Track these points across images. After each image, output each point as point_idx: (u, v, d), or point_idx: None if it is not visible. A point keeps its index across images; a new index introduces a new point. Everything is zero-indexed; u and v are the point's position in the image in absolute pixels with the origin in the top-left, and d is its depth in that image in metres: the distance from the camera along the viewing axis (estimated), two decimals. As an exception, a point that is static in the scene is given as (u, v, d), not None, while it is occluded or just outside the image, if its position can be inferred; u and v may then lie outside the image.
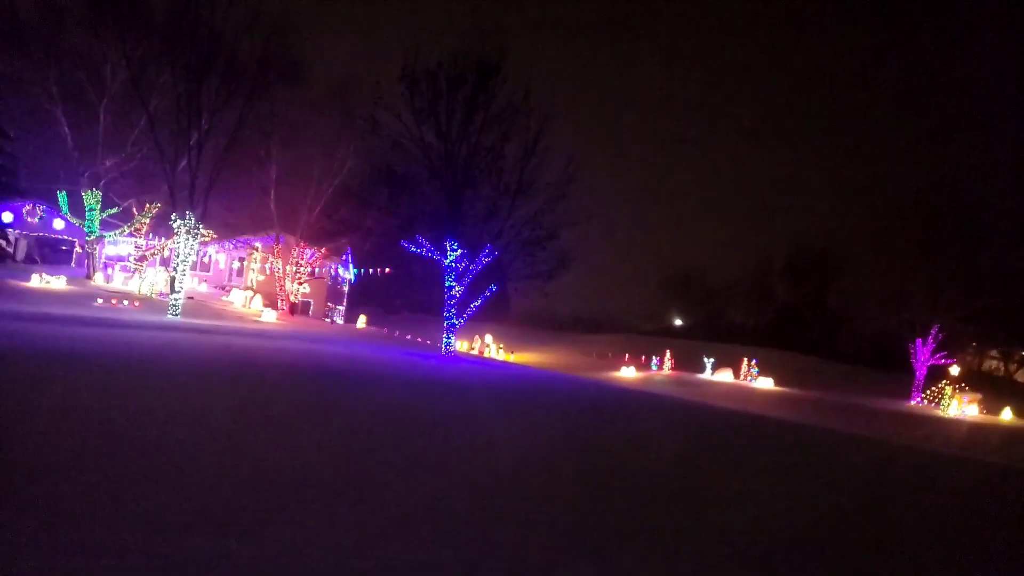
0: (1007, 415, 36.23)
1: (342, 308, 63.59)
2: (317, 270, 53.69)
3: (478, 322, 73.08)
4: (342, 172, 35.98)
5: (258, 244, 52.23)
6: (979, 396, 37.49)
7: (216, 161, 34.67)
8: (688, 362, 48.44)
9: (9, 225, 48.83)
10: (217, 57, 33.01)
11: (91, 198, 42.15)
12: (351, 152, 35.80)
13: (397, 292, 73.38)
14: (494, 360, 40.72)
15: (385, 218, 29.28)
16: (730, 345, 57.67)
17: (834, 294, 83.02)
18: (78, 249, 48.40)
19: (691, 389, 38.36)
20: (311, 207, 45.44)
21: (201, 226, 33.08)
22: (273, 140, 43.19)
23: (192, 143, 34.44)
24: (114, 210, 43.95)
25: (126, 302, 33.12)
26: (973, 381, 45.70)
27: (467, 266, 29.24)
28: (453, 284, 29.19)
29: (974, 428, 31.45)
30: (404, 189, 28.97)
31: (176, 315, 30.96)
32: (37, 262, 47.88)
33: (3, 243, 47.39)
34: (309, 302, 57.47)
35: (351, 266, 64.89)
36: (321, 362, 21.69)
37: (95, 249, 43.41)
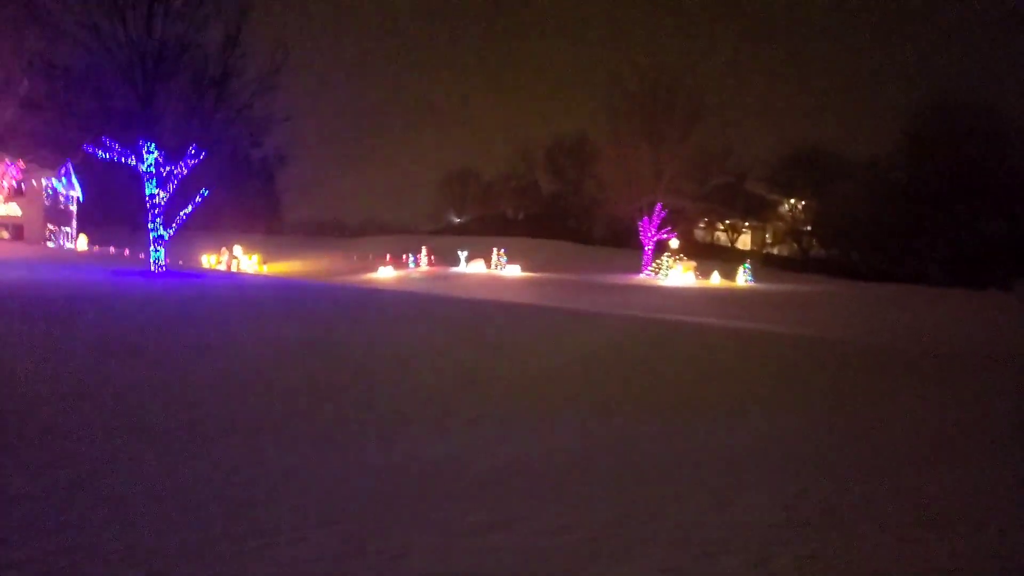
0: (715, 279, 40.77)
1: (70, 230, 56.66)
2: (21, 186, 46.77)
3: (231, 232, 68.96)
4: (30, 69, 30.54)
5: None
6: (694, 264, 41.76)
7: None
8: (450, 257, 49.11)
9: None
10: None
11: None
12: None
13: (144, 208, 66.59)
14: (230, 273, 38.34)
15: (65, 120, 25.37)
16: (501, 238, 59.34)
17: (591, 181, 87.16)
18: None
19: (442, 283, 38.93)
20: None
21: None
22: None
23: None
24: None
25: None
26: (702, 252, 51.15)
27: (171, 170, 26.55)
28: (156, 191, 26.48)
29: (681, 293, 35.04)
30: (76, 84, 25.13)
31: None
32: None
33: None
34: (20, 225, 50.57)
35: (75, 181, 57.46)
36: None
37: None
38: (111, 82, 25.40)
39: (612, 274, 43.80)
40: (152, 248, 27.17)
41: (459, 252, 46.42)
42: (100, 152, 25.73)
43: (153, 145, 26.01)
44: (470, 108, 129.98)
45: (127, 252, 45.49)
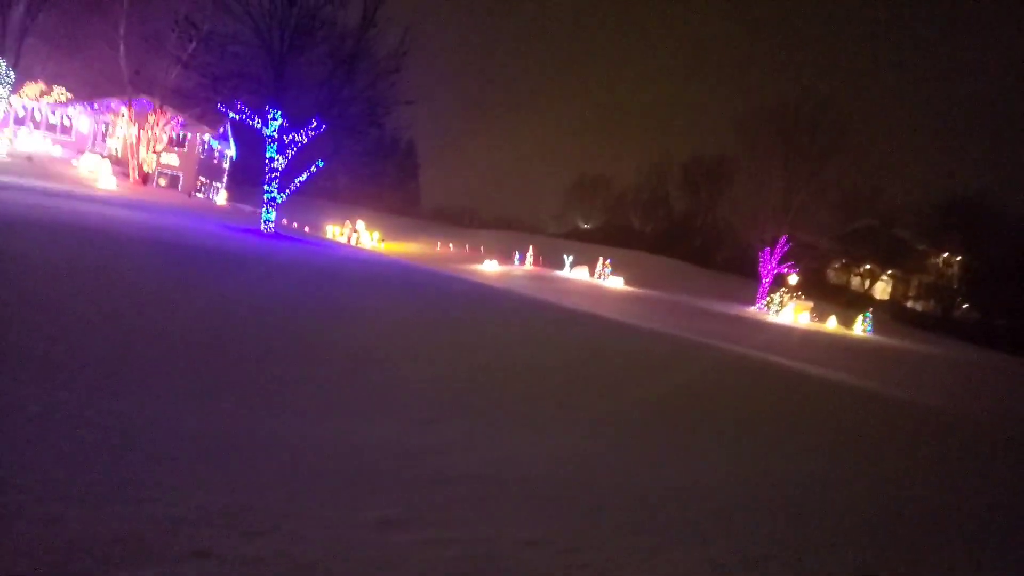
0: (831, 323, 38.10)
1: (219, 184, 60.90)
2: (183, 137, 50.79)
3: (366, 208, 71.87)
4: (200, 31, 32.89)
5: (124, 109, 48.36)
6: (810, 304, 39.22)
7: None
8: (557, 260, 48.89)
9: None
10: None
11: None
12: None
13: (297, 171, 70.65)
14: (336, 244, 39.76)
15: (204, 79, 27.16)
16: (617, 249, 58.52)
17: (724, 202, 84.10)
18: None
19: (539, 283, 38.76)
20: (168, 67, 42.18)
21: (12, 73, 30.24)
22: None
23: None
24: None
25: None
26: (832, 294, 48.11)
27: (292, 138, 27.85)
28: (275, 156, 27.84)
29: (786, 332, 32.93)
30: (216, 47, 26.82)
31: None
32: None
33: None
34: (177, 175, 54.73)
35: (231, 140, 61.76)
36: (106, 226, 20.29)
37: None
38: (249, 48, 26.86)
39: (720, 301, 41.98)
40: (264, 209, 28.57)
41: (564, 256, 46.00)
42: (231, 113, 27.32)
43: (279, 112, 27.34)
44: (612, 116, 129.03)
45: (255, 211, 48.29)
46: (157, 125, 45.94)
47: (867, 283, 64.23)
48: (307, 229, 46.26)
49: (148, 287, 11.98)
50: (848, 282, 66.48)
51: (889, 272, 65.79)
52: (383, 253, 42.52)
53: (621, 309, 31.82)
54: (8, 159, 36.29)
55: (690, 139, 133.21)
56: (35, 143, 46.62)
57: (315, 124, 27.79)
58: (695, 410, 11.06)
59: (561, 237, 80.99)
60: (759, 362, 19.15)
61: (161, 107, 46.13)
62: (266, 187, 28.26)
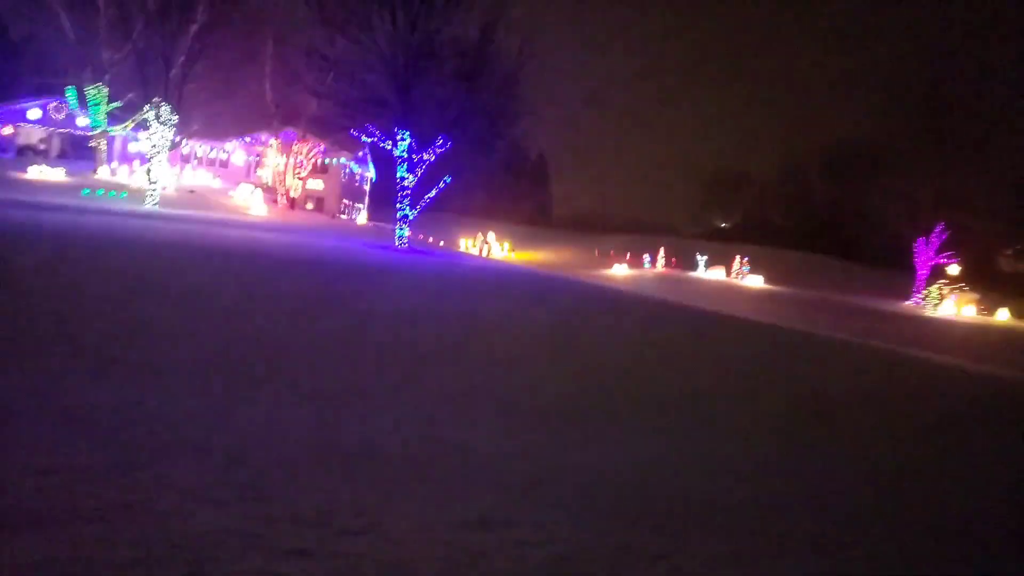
0: (1003, 316, 34.62)
1: (361, 206, 64.22)
2: (326, 163, 53.95)
3: (498, 219, 73.25)
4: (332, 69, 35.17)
5: (273, 141, 52.20)
6: (975, 296, 35.81)
7: (192, 50, 34.61)
8: (690, 260, 47.63)
9: (37, 122, 50.48)
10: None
11: (94, 92, 42.87)
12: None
13: (428, 188, 73.18)
14: (468, 255, 40.72)
15: (336, 107, 28.84)
16: (759, 247, 56.25)
17: (874, 190, 78.36)
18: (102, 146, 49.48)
19: (670, 285, 38.00)
20: (307, 100, 45.20)
21: (175, 116, 33.43)
22: (264, 32, 42.96)
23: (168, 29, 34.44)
24: (117, 104, 44.66)
25: (113, 192, 34.17)
26: (987, 281, 43.73)
27: (420, 157, 28.94)
28: (405, 175, 29.02)
29: (946, 327, 30.24)
30: (346, 76, 28.36)
31: (154, 205, 31.70)
32: (68, 158, 49.38)
33: (37, 142, 49.32)
34: (321, 198, 58.19)
35: (370, 163, 65.04)
36: (253, 248, 22.02)
37: (99, 143, 44.47)
38: (376, 74, 28.20)
39: (872, 297, 39.24)
40: (398, 226, 29.81)
41: (698, 256, 44.72)
42: (363, 136, 28.78)
43: (407, 133, 28.48)
44: (746, 108, 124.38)
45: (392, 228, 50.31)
46: (301, 153, 49.12)
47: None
48: (442, 243, 47.84)
49: (291, 304, 12.85)
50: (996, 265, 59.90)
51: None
52: (512, 262, 43.19)
53: (761, 309, 30.51)
54: (174, 193, 40.10)
55: (831, 125, 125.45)
56: (198, 178, 51.21)
57: (441, 142, 28.70)
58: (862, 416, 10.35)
59: (699, 237, 78.70)
60: (909, 359, 17.73)
61: (304, 136, 49.34)
62: (398, 205, 29.46)
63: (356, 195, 63.98)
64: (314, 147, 50.66)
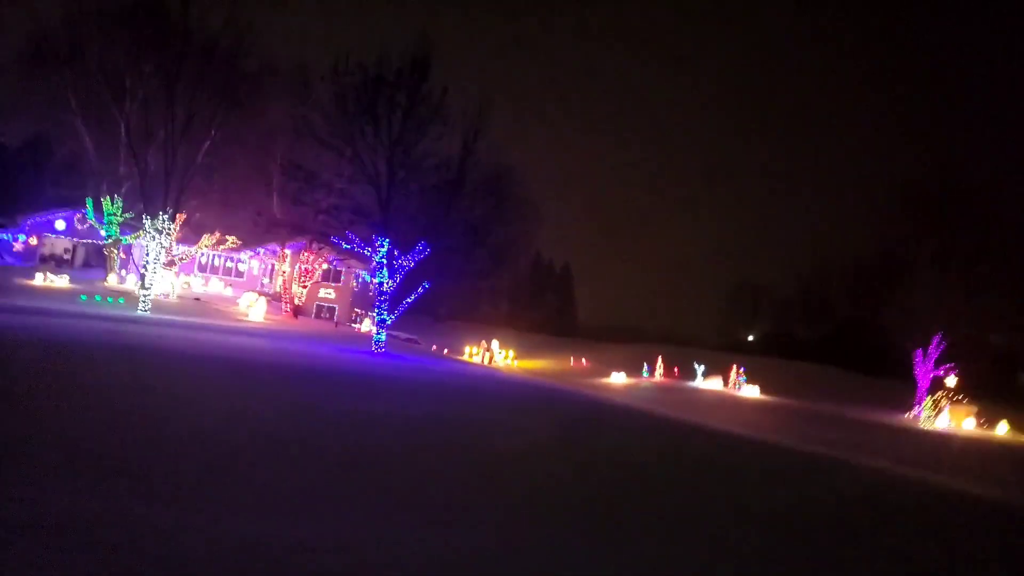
0: (1002, 429, 33.29)
1: (373, 314, 65.24)
2: (337, 273, 55.21)
3: (494, 327, 73.54)
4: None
5: (287, 251, 53.93)
6: (973, 409, 34.61)
7: (189, 161, 36.70)
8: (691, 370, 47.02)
9: (62, 233, 53.24)
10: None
11: (110, 204, 45.27)
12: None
13: (443, 300, 74.32)
14: (462, 362, 40.78)
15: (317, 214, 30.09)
16: (762, 358, 55.56)
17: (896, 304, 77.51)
18: (120, 255, 51.57)
19: (666, 395, 37.52)
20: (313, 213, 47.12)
21: (172, 226, 34.96)
22: (274, 150, 45.52)
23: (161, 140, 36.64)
24: (130, 215, 46.97)
25: (111, 299, 35.34)
26: (1003, 396, 42.30)
27: (400, 262, 29.71)
28: (384, 280, 29.72)
29: (932, 440, 29.10)
30: (321, 185, 29.71)
31: (145, 311, 32.64)
32: (93, 267, 51.60)
33: (62, 251, 51.94)
34: (334, 307, 59.28)
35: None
36: (209, 351, 22.42)
37: (112, 252, 46.43)
38: (357, 184, 29.49)
39: (871, 408, 38.12)
40: (376, 331, 30.22)
41: (695, 365, 44.20)
42: (343, 243, 29.73)
43: (386, 240, 29.40)
44: (760, 221, 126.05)
45: (402, 336, 50.64)
46: (307, 262, 50.54)
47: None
48: (445, 351, 48.05)
49: (207, 402, 13.01)
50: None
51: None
52: (505, 370, 43.07)
53: (745, 420, 29.79)
54: (177, 300, 41.35)
55: (852, 234, 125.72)
56: (210, 286, 52.82)
57: (420, 248, 29.51)
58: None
59: (722, 350, 77.65)
60: (855, 468, 17.06)
61: (310, 246, 50.98)
62: (376, 310, 30.00)
63: (369, 304, 65.05)
64: (321, 256, 52.19)
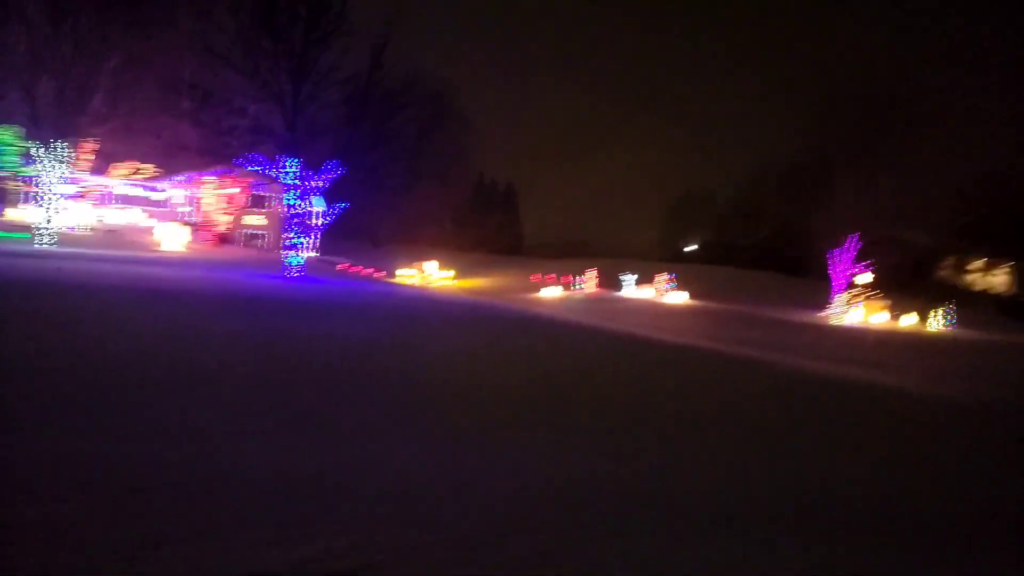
0: (907, 321, 34.75)
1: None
2: (267, 198, 53.52)
3: (437, 250, 73.16)
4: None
5: (210, 179, 51.86)
6: (885, 304, 35.99)
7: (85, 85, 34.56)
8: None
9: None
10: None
11: (6, 133, 42.61)
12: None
13: (382, 224, 73.04)
14: (377, 282, 40.29)
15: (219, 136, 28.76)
16: (689, 265, 56.50)
17: (822, 207, 79.37)
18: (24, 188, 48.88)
19: (595, 306, 37.97)
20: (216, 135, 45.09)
21: (72, 154, 33.18)
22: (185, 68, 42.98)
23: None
24: (33, 144, 44.38)
25: (16, 234, 33.68)
26: (925, 290, 44.10)
27: (311, 184, 28.84)
28: (293, 203, 28.87)
29: (837, 334, 30.24)
30: (223, 104, 28.35)
31: (45, 244, 31.22)
32: None
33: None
34: (263, 234, 57.74)
35: (318, 196, 64.93)
36: (122, 283, 21.44)
37: (11, 185, 44.07)
38: (260, 103, 28.18)
39: (791, 309, 39.30)
40: (288, 255, 29.54)
41: (620, 277, 44.77)
42: (249, 165, 28.64)
43: (295, 161, 28.39)
44: (700, 129, 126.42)
45: (338, 262, 49.75)
46: (230, 188, 48.92)
47: (982, 278, 58.35)
48: (380, 273, 47.45)
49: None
50: (963, 279, 60.67)
51: (1012, 264, 59.45)
52: (440, 290, 42.94)
53: (667, 325, 30.39)
54: (89, 232, 39.68)
55: (779, 142, 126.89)
56: (128, 217, 50.73)
57: (332, 168, 28.63)
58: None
59: (664, 261, 78.84)
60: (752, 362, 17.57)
61: (234, 172, 49.18)
62: (287, 232, 29.26)
63: (307, 230, 63.61)
64: (243, 182, 50.44)
